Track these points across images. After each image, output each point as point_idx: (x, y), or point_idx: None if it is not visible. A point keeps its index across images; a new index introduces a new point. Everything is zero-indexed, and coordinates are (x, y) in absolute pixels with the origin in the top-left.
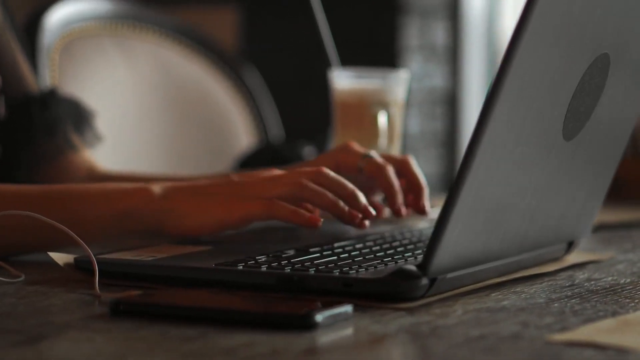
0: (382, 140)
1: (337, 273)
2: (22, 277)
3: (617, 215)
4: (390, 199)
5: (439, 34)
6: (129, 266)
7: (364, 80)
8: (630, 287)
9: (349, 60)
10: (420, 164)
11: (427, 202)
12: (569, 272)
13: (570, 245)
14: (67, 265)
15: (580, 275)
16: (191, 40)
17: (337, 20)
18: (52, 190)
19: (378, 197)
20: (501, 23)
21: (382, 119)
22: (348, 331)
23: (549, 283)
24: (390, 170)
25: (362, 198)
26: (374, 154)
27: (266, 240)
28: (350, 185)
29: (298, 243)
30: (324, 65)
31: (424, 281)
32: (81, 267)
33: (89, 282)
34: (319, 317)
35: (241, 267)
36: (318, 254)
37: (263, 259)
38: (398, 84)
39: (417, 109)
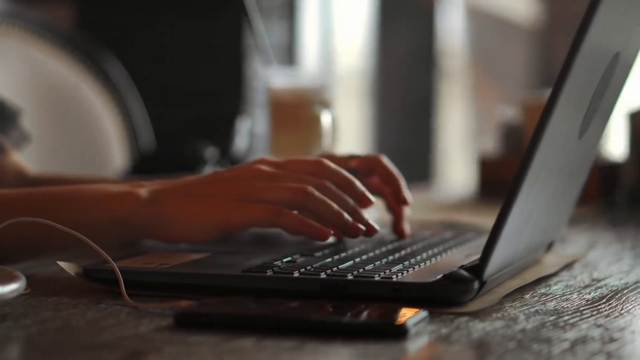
0: (327, 141)
1: (379, 278)
2: (28, 290)
3: None
4: (394, 187)
5: (278, 34)
6: (148, 275)
7: (302, 79)
8: None
9: (191, 62)
10: None
11: (408, 193)
12: (574, 271)
13: (549, 246)
14: (77, 274)
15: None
16: (58, 37)
17: (178, 21)
18: (40, 194)
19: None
20: (334, 22)
21: (325, 119)
22: (441, 338)
23: (565, 282)
24: (385, 159)
25: (365, 214)
26: (356, 152)
27: (264, 245)
28: (352, 201)
29: (297, 248)
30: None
31: (476, 285)
32: (91, 276)
33: (106, 292)
34: (411, 325)
35: (272, 273)
36: (338, 259)
37: (288, 265)
38: (334, 82)
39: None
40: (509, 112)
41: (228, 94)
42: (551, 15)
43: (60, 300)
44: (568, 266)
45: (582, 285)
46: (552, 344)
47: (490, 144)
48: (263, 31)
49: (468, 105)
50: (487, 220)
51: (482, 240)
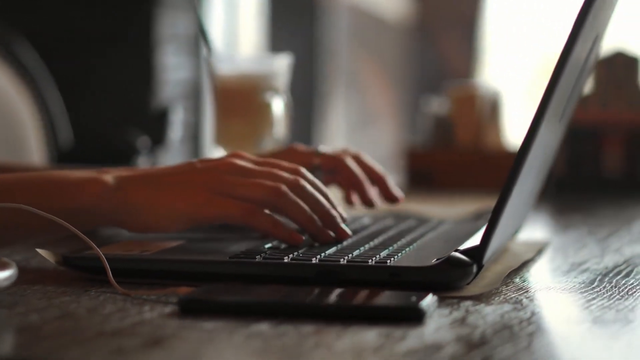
0: (278, 130)
1: (374, 263)
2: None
3: (472, 204)
4: (359, 189)
5: (184, 24)
6: (135, 262)
7: (251, 65)
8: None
9: (103, 52)
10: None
11: (396, 189)
12: (548, 257)
13: (515, 232)
14: (57, 262)
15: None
16: None
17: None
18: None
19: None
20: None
21: (276, 106)
22: (457, 321)
23: (546, 267)
24: (349, 160)
25: (338, 218)
26: (324, 148)
27: (230, 231)
28: (327, 204)
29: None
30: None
31: (474, 269)
32: (73, 264)
33: (87, 280)
34: (427, 308)
35: (262, 259)
36: (326, 246)
37: (273, 251)
38: (285, 68)
39: (174, 102)
40: (436, 103)
41: (138, 85)
42: (427, 11)
43: (45, 288)
44: (540, 252)
45: (564, 269)
46: (570, 325)
47: (381, 134)
48: (204, 17)
49: (355, 99)
50: (429, 209)
51: (446, 227)
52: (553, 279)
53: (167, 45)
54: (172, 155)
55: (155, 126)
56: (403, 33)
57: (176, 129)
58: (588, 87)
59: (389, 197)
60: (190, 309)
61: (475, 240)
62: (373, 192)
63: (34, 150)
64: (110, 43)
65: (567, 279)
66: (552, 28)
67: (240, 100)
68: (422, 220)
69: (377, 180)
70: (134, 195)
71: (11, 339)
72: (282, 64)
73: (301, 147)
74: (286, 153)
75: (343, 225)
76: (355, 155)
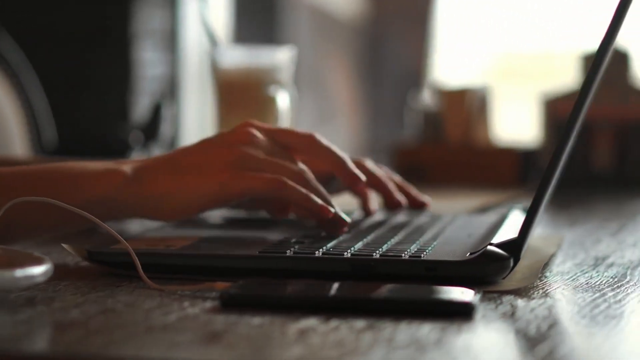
0: (283, 124)
1: (408, 257)
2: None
3: (476, 199)
4: (384, 191)
5: (160, 20)
6: (165, 257)
7: (255, 58)
8: None
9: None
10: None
11: (398, 194)
12: (569, 251)
13: None
14: (83, 257)
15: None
16: None
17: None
18: (15, 173)
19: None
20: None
21: (281, 100)
22: (506, 316)
23: (571, 261)
24: (370, 163)
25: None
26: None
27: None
28: (328, 196)
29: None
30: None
31: (511, 263)
32: (98, 259)
33: (112, 275)
34: (477, 303)
35: (293, 254)
36: (344, 240)
37: (305, 245)
38: (289, 61)
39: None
40: (426, 99)
41: (117, 81)
42: (381, 9)
43: (75, 284)
44: (559, 246)
45: (590, 264)
46: (624, 318)
47: (342, 129)
48: (207, 10)
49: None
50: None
51: (461, 222)
52: (583, 273)
53: (144, 41)
54: (160, 151)
55: (148, 121)
56: (359, 31)
57: (167, 124)
58: (578, 82)
59: (392, 202)
60: (232, 304)
61: (504, 234)
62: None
63: (17, 146)
64: (89, 39)
65: (597, 273)
66: (505, 25)
67: (243, 94)
68: (435, 215)
69: (401, 187)
70: (156, 184)
71: (61, 335)
72: (285, 57)
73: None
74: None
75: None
76: (357, 162)
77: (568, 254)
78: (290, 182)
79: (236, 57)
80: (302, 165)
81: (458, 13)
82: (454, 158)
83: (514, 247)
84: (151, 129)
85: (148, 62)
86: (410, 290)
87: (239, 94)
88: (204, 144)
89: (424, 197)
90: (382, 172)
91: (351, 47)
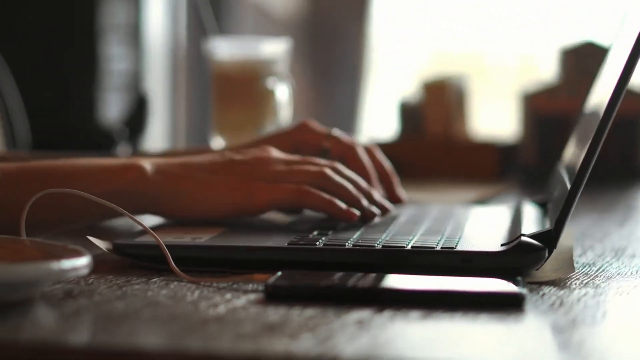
0: (282, 117)
1: (441, 248)
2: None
3: (466, 194)
4: (387, 186)
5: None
6: (193, 249)
7: (253, 49)
8: None
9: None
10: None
11: (400, 190)
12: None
13: None
14: (108, 249)
15: None
16: None
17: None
18: (32, 168)
19: None
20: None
21: (280, 93)
22: (555, 306)
23: (591, 252)
24: (361, 150)
25: (377, 195)
26: (337, 132)
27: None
28: (365, 183)
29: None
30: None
31: (546, 254)
32: (125, 252)
33: (145, 268)
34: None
35: (323, 246)
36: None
37: (334, 237)
38: (285, 53)
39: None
40: (407, 93)
41: (83, 76)
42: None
43: (105, 277)
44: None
45: (612, 255)
46: None
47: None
48: (205, 1)
49: None
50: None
51: (474, 214)
52: (610, 264)
53: (110, 36)
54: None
55: (134, 115)
56: (300, 29)
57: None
58: (557, 76)
59: (393, 197)
60: (277, 295)
61: (528, 226)
62: (379, 189)
63: None
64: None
65: (623, 264)
66: (442, 25)
67: (241, 87)
68: (444, 208)
69: (385, 178)
70: (179, 181)
71: (117, 327)
72: (282, 48)
73: (314, 124)
74: (298, 130)
75: (384, 201)
76: (369, 148)
77: (584, 246)
78: (313, 190)
79: (232, 48)
80: (323, 161)
81: (394, 12)
82: (433, 152)
83: (548, 238)
84: (136, 123)
85: (114, 57)
86: (459, 282)
87: (237, 87)
88: (222, 157)
89: (403, 194)
90: (370, 163)
91: (296, 44)
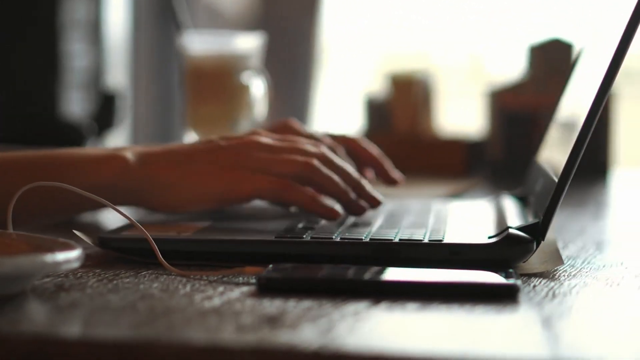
0: (257, 112)
1: (429, 240)
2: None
3: (443, 188)
4: (379, 168)
5: (85, 10)
6: (180, 243)
7: (226, 44)
8: None
9: (5, 37)
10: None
11: (395, 172)
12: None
13: None
14: (94, 243)
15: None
16: None
17: None
18: (15, 159)
19: None
20: None
21: (256, 88)
22: (548, 298)
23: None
24: (362, 140)
25: (368, 186)
26: (319, 133)
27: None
28: (356, 173)
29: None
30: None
31: (534, 246)
32: (110, 245)
33: (130, 262)
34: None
35: (311, 239)
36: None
37: (320, 230)
38: (259, 48)
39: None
40: (374, 89)
41: (43, 73)
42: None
43: (93, 271)
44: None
45: (594, 248)
46: None
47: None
48: None
49: None
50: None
51: (454, 207)
52: (594, 256)
53: (70, 32)
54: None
55: (103, 110)
56: (252, 28)
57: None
58: (523, 73)
59: (389, 180)
60: (271, 288)
61: (513, 218)
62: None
63: None
64: (16, 30)
65: (608, 255)
66: (391, 27)
67: (214, 81)
68: (423, 202)
69: (376, 163)
70: (162, 172)
71: (117, 319)
72: (256, 43)
73: (296, 124)
74: (281, 129)
75: (374, 192)
76: (350, 140)
77: (565, 239)
78: (296, 186)
79: (206, 43)
80: (312, 149)
81: (344, 14)
82: (401, 148)
83: (536, 230)
84: (105, 119)
85: (74, 53)
86: (452, 274)
87: (210, 82)
88: (209, 144)
89: (398, 175)
90: (376, 150)
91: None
